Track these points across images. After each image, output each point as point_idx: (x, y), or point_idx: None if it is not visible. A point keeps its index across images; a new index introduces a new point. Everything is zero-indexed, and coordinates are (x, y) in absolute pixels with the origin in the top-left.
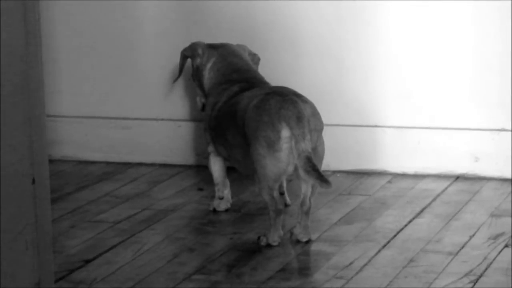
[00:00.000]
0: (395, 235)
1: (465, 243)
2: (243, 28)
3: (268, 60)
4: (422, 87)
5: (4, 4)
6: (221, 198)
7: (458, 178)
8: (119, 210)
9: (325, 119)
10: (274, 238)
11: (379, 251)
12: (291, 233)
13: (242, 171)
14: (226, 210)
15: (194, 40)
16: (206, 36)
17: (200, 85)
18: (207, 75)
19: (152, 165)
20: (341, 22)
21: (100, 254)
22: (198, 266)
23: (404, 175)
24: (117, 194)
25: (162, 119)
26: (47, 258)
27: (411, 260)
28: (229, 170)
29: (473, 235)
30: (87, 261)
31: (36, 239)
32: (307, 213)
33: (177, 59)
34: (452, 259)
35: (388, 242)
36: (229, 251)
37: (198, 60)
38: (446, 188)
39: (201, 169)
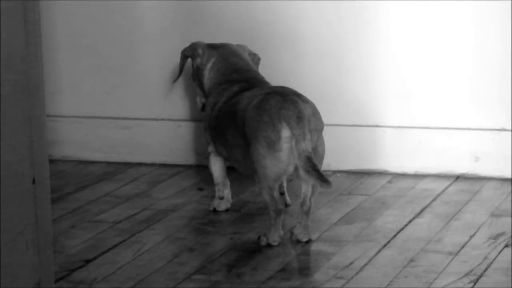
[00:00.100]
0: (395, 235)
1: (465, 243)
2: (243, 28)
3: (268, 60)
4: (422, 87)
5: (4, 4)
6: (221, 198)
7: (458, 178)
8: (119, 210)
9: (325, 119)
10: (274, 238)
11: (379, 251)
12: (291, 233)
13: (242, 171)
14: (226, 210)
15: (194, 40)
16: (206, 36)
17: (200, 85)
18: (207, 75)
19: (152, 165)
20: (341, 22)
21: (101, 254)
22: (198, 266)
23: (404, 175)
24: (117, 194)
25: (162, 119)
26: (47, 258)
27: (411, 260)
28: (229, 170)
29: (473, 235)
30: (88, 261)
31: (36, 239)
32: (307, 213)
33: (177, 59)
34: (452, 259)
35: (388, 242)
36: (229, 251)
37: (198, 60)
38: (446, 188)
39: (201, 169)
